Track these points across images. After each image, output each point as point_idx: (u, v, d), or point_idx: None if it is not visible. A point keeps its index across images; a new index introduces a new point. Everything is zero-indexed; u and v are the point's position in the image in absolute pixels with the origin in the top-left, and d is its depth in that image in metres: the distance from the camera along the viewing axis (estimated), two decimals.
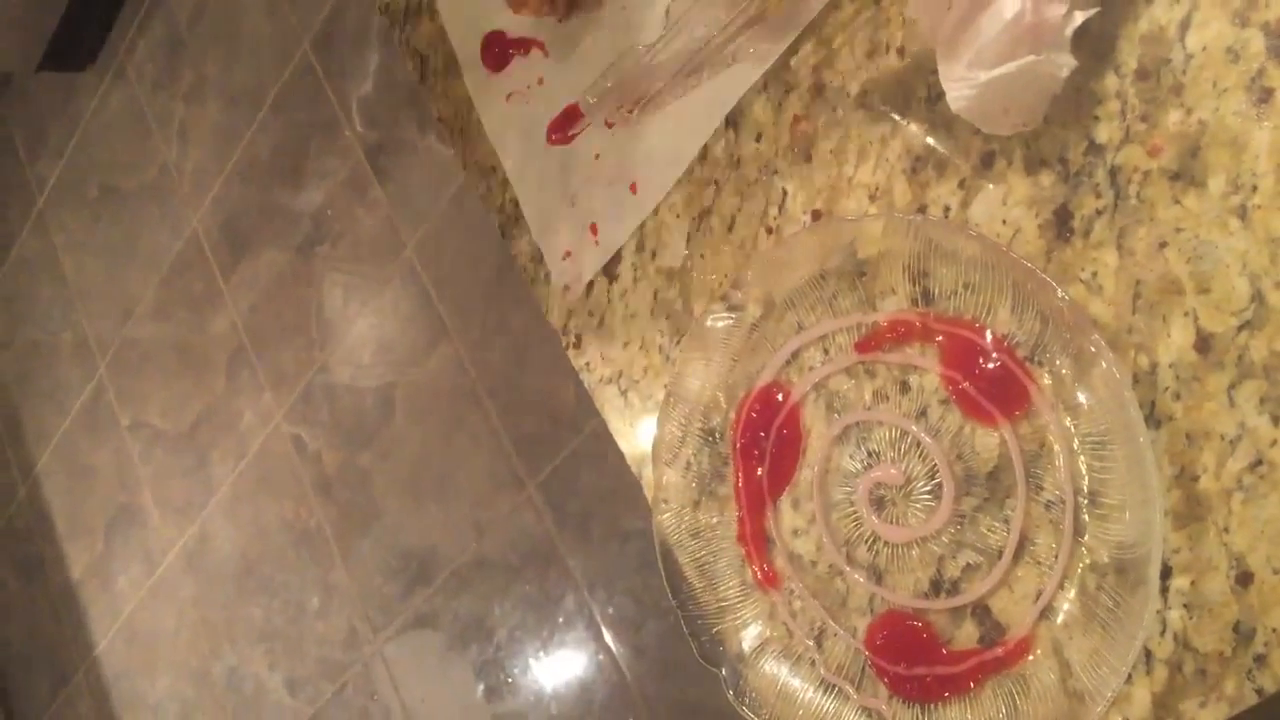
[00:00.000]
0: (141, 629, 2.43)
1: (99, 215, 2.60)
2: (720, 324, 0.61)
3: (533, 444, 1.78)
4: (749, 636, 0.60)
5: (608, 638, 1.79)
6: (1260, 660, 0.45)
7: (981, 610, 0.53)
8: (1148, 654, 0.48)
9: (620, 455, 0.69)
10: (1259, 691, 0.45)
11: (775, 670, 0.58)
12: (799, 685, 0.58)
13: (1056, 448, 0.51)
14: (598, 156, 0.70)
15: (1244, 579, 0.46)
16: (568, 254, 0.71)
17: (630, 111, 0.64)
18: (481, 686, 1.85)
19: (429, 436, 1.92)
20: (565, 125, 0.72)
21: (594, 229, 0.70)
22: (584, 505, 1.72)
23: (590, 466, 1.71)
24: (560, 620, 1.77)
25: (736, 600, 0.61)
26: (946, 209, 0.55)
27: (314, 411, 2.10)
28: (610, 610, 1.71)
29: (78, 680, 2.55)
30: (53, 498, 2.67)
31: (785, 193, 0.61)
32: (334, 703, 2.05)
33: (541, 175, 0.73)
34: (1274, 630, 0.45)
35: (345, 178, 2.08)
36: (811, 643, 0.58)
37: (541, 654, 1.80)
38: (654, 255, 0.68)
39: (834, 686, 0.57)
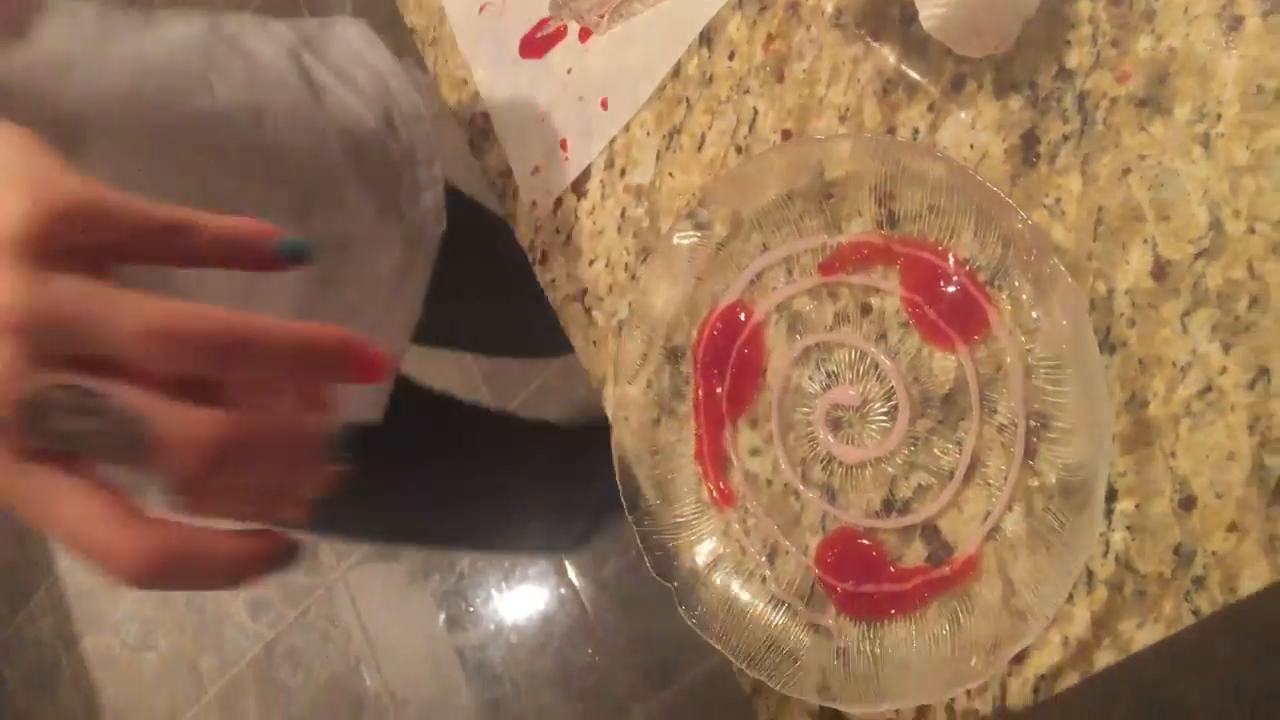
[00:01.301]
0: None
1: None
2: (686, 242, 0.61)
3: (501, 376, 1.79)
4: (702, 552, 0.60)
5: (570, 571, 1.80)
6: (1199, 582, 0.46)
7: (930, 530, 0.53)
8: (1089, 574, 0.49)
9: (589, 388, 0.69)
10: (1195, 613, 0.46)
11: (726, 585, 0.59)
12: (749, 600, 0.58)
13: (1012, 371, 0.51)
14: (570, 71, 0.69)
15: (1187, 503, 0.46)
16: (537, 169, 0.71)
17: (600, 18, 0.63)
18: (443, 615, 1.87)
19: None
20: (540, 43, 0.72)
21: (564, 145, 0.69)
22: None
23: (559, 400, 1.72)
24: None
25: (692, 517, 0.61)
26: (915, 131, 0.55)
27: None
28: None
29: (39, 598, 2.55)
30: None
31: (756, 112, 0.61)
32: (295, 627, 2.06)
33: (513, 89, 0.72)
34: (1214, 554, 0.45)
35: None
36: (763, 559, 0.58)
37: (504, 585, 1.81)
38: (623, 173, 0.67)
39: (783, 602, 0.57)
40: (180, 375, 0.34)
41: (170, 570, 0.34)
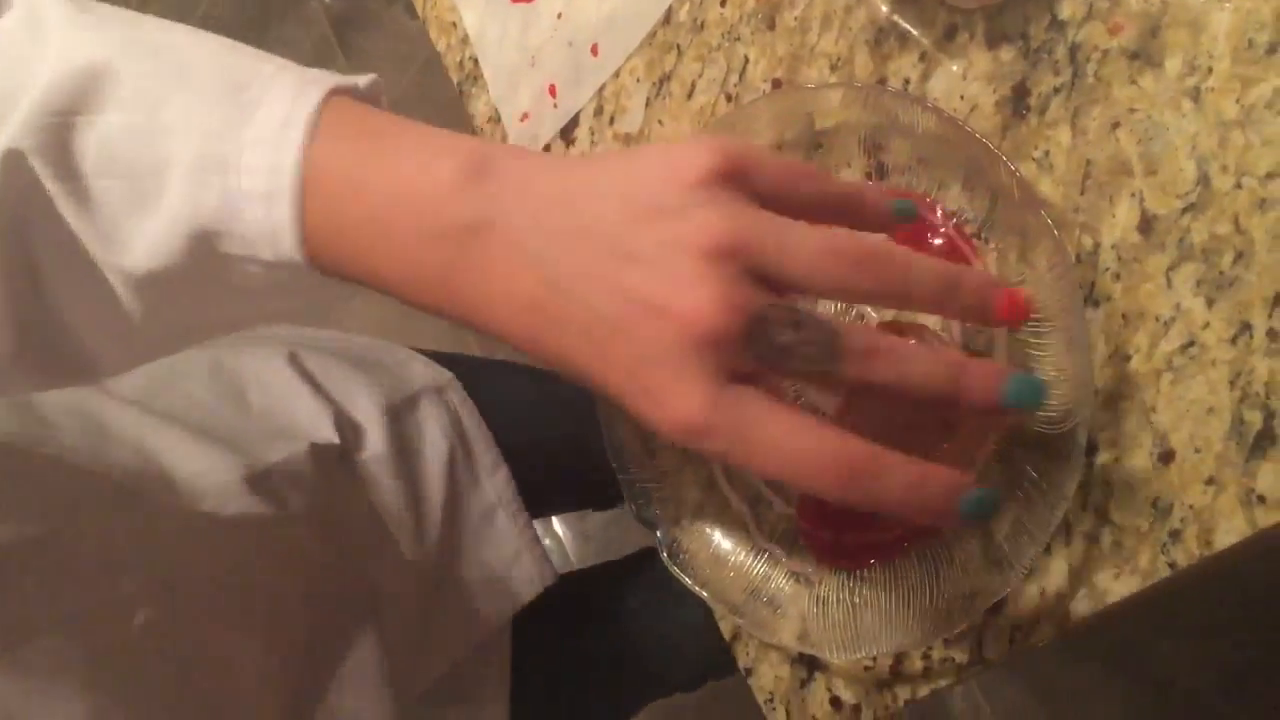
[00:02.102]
0: None
1: None
2: None
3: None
4: (686, 502, 0.60)
5: (555, 523, 1.81)
6: (1175, 535, 0.46)
7: None
8: (1067, 526, 0.49)
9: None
10: (1172, 565, 0.46)
11: (709, 535, 0.59)
12: (731, 549, 0.59)
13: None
14: (560, 16, 0.68)
15: (1166, 457, 0.47)
16: (525, 116, 0.70)
17: None
18: None
19: (386, 314, 1.91)
20: None
21: (553, 90, 0.69)
22: None
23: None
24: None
25: (675, 468, 0.61)
26: (906, 82, 0.55)
27: None
28: None
29: None
30: None
31: (747, 60, 0.61)
32: None
33: (502, 33, 0.71)
34: (1191, 507, 0.46)
35: (309, 49, 2.03)
36: (745, 508, 0.59)
37: None
38: (612, 120, 0.67)
39: (765, 551, 0.58)
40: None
41: (861, 478, 0.36)
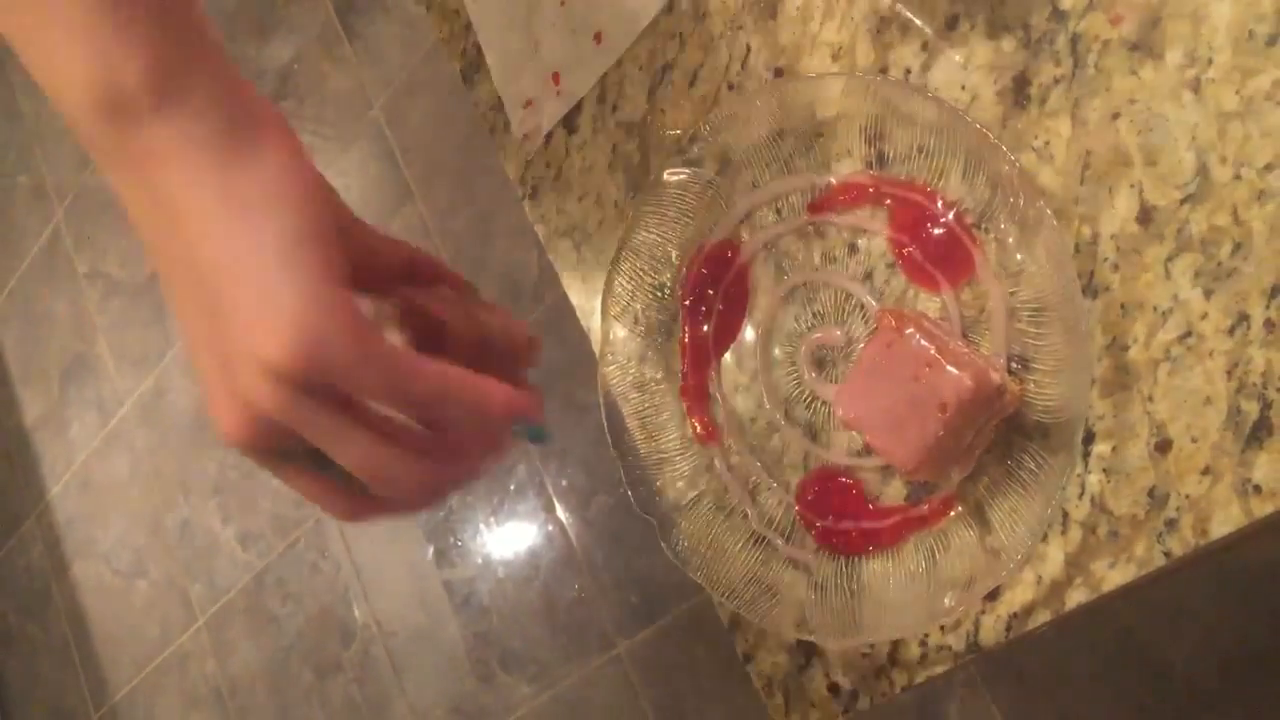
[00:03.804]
0: (95, 477, 2.44)
1: None
2: (676, 179, 0.61)
3: None
4: (685, 488, 0.61)
5: (558, 508, 1.82)
6: (1171, 524, 0.47)
7: None
8: (1064, 515, 0.49)
9: (579, 328, 0.69)
10: (1167, 554, 0.47)
11: (708, 521, 0.60)
12: (730, 536, 0.59)
13: (995, 314, 0.51)
14: (563, 3, 0.68)
15: (1163, 446, 0.47)
16: (529, 103, 0.71)
17: None
18: (431, 549, 1.88)
19: None
20: None
21: (556, 78, 0.69)
22: (540, 376, 1.72)
23: (549, 337, 1.71)
24: (512, 488, 1.80)
25: (676, 453, 0.62)
26: (908, 71, 0.55)
27: None
28: (562, 482, 1.74)
29: (29, 525, 2.57)
30: (7, 343, 2.65)
31: (749, 49, 0.61)
32: (285, 558, 2.08)
33: (506, 20, 0.71)
34: (1187, 496, 0.46)
35: (315, 33, 2.03)
36: (745, 496, 0.59)
37: (492, 521, 1.82)
38: (615, 108, 0.67)
39: (763, 538, 0.58)
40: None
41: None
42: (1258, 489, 0.44)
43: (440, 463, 0.39)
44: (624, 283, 0.62)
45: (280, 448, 0.38)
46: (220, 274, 0.36)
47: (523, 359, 0.47)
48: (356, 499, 0.40)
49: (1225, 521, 0.45)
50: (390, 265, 0.44)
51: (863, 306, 0.56)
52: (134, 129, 0.36)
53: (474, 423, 0.39)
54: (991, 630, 0.52)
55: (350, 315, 0.36)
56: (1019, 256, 0.51)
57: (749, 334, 0.60)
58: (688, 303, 0.62)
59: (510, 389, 0.39)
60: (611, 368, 0.63)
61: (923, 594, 0.53)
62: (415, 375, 0.37)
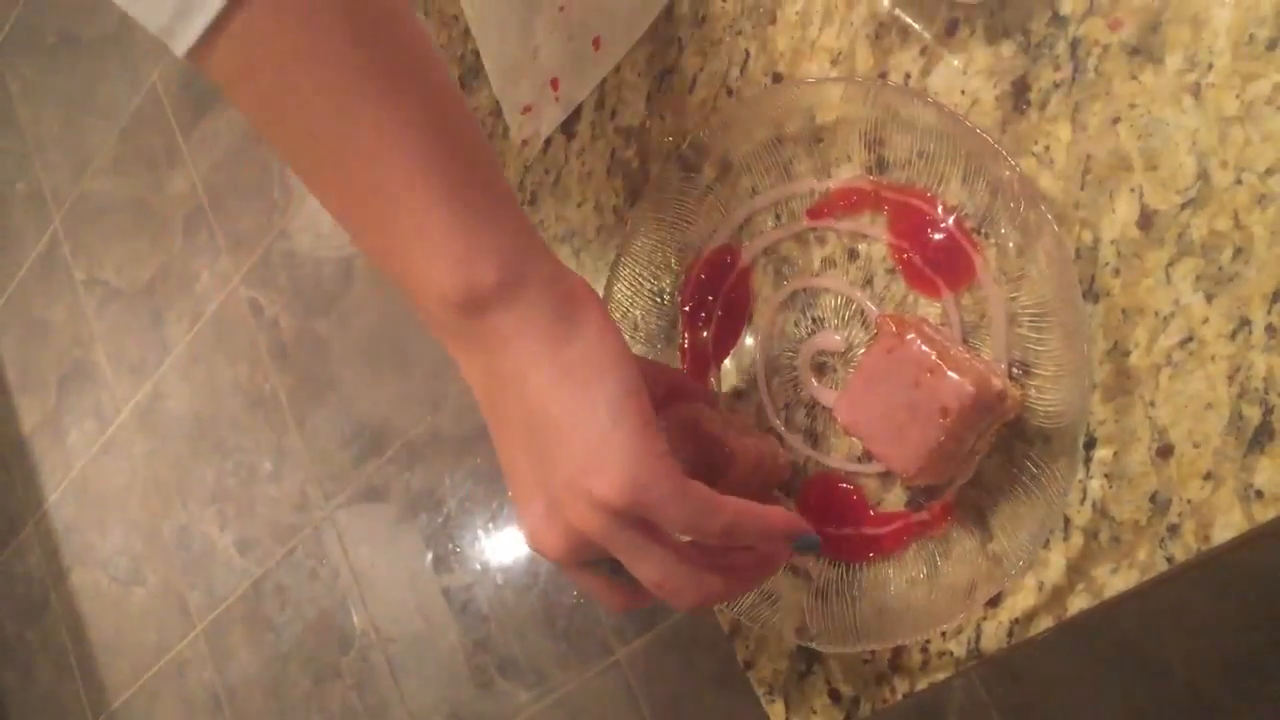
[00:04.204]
0: (93, 484, 2.43)
1: (57, 63, 2.53)
2: (675, 185, 0.61)
3: None
4: None
5: None
6: (1173, 530, 0.46)
7: None
8: (1066, 521, 0.49)
9: None
10: (1170, 560, 0.47)
11: None
12: None
13: (995, 319, 0.51)
14: (562, 9, 0.68)
15: (1164, 452, 0.47)
16: (527, 109, 0.71)
17: None
18: (430, 555, 1.88)
19: (388, 308, 1.91)
20: None
21: (555, 84, 0.69)
22: None
23: None
24: (510, 494, 1.79)
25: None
26: (907, 76, 0.55)
27: (272, 276, 2.09)
28: None
29: (27, 532, 2.56)
30: (5, 350, 2.65)
31: (748, 54, 0.61)
32: (283, 564, 2.08)
33: (504, 26, 0.71)
34: (1189, 502, 0.46)
35: None
36: None
37: (490, 527, 1.82)
38: (613, 114, 0.67)
39: None
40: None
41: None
42: (1260, 494, 0.44)
43: (720, 577, 0.45)
44: (623, 289, 0.62)
45: (584, 560, 0.46)
46: (557, 430, 0.43)
47: (780, 480, 0.57)
48: (635, 596, 0.47)
49: (1227, 527, 0.45)
50: (661, 387, 0.54)
51: (863, 312, 0.56)
52: (483, 318, 0.43)
53: (760, 543, 0.46)
54: (993, 636, 0.52)
55: (669, 463, 0.43)
56: (1020, 262, 0.51)
57: (749, 340, 0.60)
58: (687, 308, 0.62)
59: (787, 513, 0.47)
60: None
61: (924, 600, 0.52)
62: (715, 512, 0.44)
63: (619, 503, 0.42)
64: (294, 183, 2.03)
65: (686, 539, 0.45)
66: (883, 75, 0.55)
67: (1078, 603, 0.49)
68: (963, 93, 0.53)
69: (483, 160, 0.45)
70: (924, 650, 0.54)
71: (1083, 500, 0.49)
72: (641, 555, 0.44)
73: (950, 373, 0.48)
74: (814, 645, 0.55)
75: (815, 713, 0.58)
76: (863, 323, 0.56)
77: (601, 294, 0.62)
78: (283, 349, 2.07)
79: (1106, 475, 0.48)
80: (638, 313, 0.63)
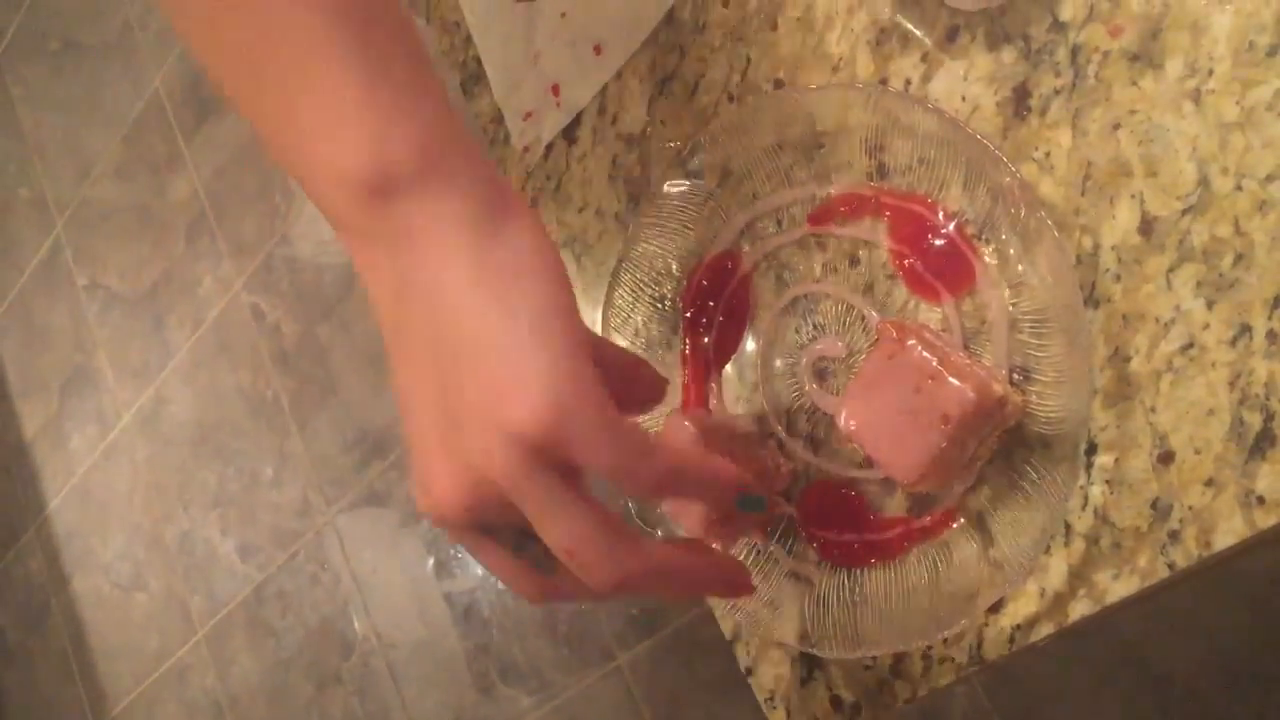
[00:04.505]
0: (94, 490, 2.43)
1: (60, 69, 2.53)
2: (676, 191, 0.61)
3: None
4: None
5: None
6: (1174, 536, 0.46)
7: None
8: (1067, 527, 0.49)
9: None
10: (1171, 566, 0.47)
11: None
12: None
13: (996, 325, 0.51)
14: (564, 15, 0.68)
15: (1166, 458, 0.47)
16: (529, 115, 0.71)
17: None
18: (431, 560, 1.88)
19: None
20: None
21: (556, 90, 0.69)
22: None
23: None
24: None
25: None
26: (908, 82, 0.55)
27: (274, 281, 2.09)
28: None
29: (28, 538, 2.57)
30: (7, 355, 2.65)
31: (749, 60, 0.61)
32: (285, 570, 2.08)
33: (505, 32, 0.72)
34: (1190, 508, 0.46)
35: None
36: None
37: None
38: (614, 120, 0.67)
39: (765, 551, 0.58)
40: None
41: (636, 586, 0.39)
42: (1261, 500, 0.44)
43: (643, 558, 0.39)
44: (624, 294, 0.62)
45: (483, 522, 0.39)
46: (469, 343, 0.37)
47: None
48: (547, 582, 0.41)
49: (1228, 533, 0.45)
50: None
51: (864, 318, 0.56)
52: (395, 206, 0.37)
53: (703, 497, 0.42)
54: (994, 642, 0.52)
55: (598, 389, 0.36)
56: (1020, 267, 0.51)
57: (750, 345, 0.60)
58: (688, 314, 0.62)
59: (733, 466, 0.41)
60: None
61: (925, 606, 0.52)
62: (651, 453, 0.37)
63: (536, 433, 0.35)
64: (296, 188, 2.03)
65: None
66: (883, 81, 0.55)
67: (1079, 609, 0.49)
68: (963, 99, 0.53)
69: (408, 37, 0.40)
70: (925, 656, 0.54)
71: (1084, 506, 0.49)
72: (554, 511, 0.37)
73: (951, 379, 0.48)
74: (815, 651, 0.55)
75: (816, 719, 0.58)
76: (864, 329, 0.56)
77: (602, 300, 0.62)
78: (284, 354, 2.08)
79: (1108, 481, 0.48)
80: (639, 318, 0.63)
